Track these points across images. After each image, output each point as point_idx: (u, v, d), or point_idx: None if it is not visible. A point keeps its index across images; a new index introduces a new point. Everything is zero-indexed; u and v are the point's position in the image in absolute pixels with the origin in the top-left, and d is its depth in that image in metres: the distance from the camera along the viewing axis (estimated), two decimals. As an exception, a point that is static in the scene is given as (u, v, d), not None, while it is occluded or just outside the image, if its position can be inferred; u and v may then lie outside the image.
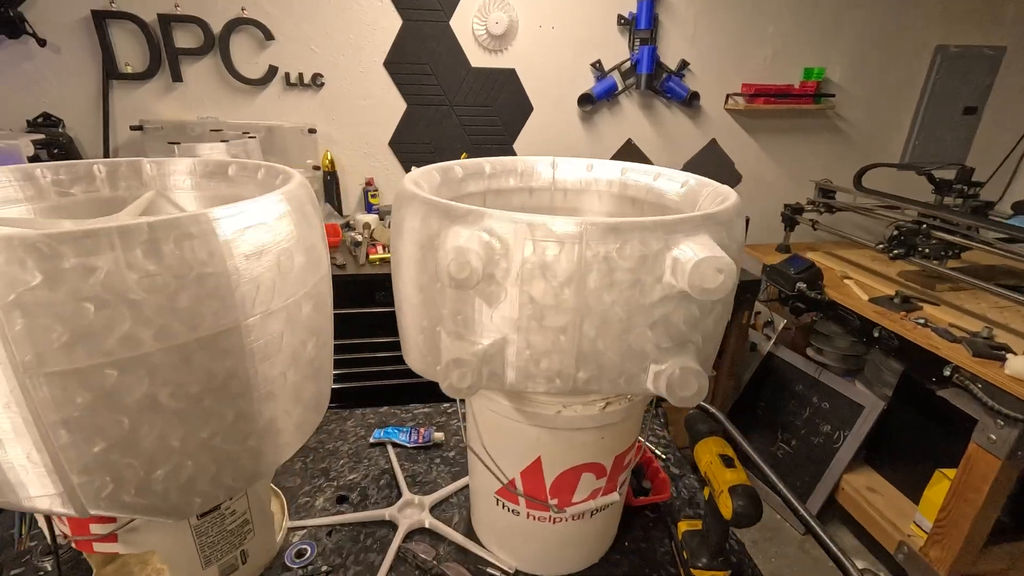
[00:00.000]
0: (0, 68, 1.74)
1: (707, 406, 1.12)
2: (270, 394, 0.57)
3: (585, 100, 2.07)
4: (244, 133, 1.68)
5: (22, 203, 0.67)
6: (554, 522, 0.71)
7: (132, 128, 1.81)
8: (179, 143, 1.35)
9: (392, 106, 2.00)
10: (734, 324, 1.86)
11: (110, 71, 1.79)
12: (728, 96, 2.19)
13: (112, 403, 0.45)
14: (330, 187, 1.99)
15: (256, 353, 0.54)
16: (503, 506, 0.73)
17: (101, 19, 1.72)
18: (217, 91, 1.88)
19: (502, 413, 0.65)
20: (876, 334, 1.70)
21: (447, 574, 0.74)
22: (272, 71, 1.87)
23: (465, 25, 1.93)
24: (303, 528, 0.82)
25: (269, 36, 1.82)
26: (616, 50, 2.05)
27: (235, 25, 1.79)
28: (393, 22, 1.89)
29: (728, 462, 0.69)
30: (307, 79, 1.91)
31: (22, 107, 1.79)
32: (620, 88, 2.10)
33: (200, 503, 0.55)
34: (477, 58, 1.99)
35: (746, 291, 1.78)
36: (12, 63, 1.74)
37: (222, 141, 1.46)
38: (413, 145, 2.07)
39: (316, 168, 1.94)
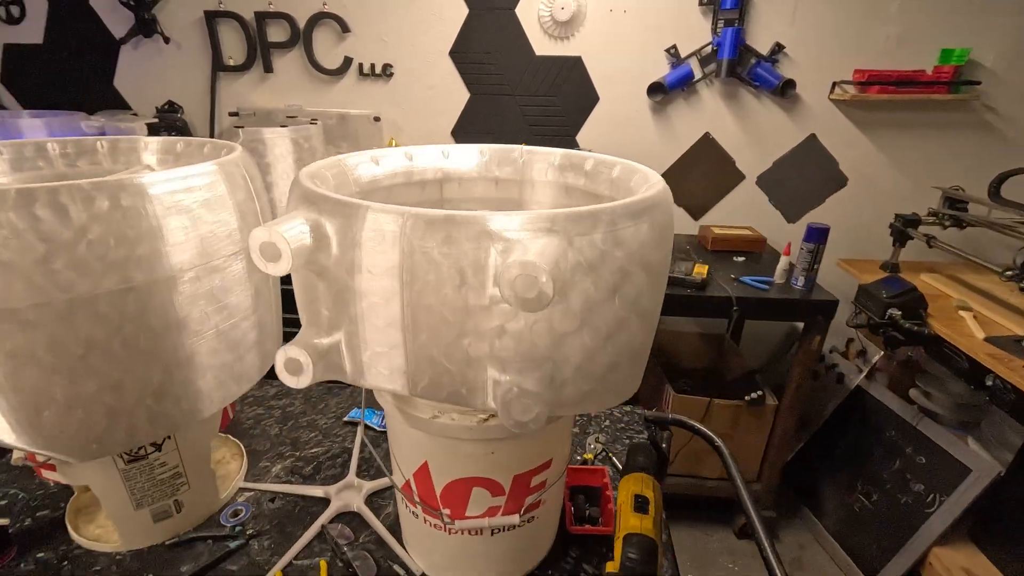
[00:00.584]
0: (138, 62, 2.07)
1: (711, 436, 0.99)
2: (185, 360, 0.61)
3: (656, 89, 1.91)
4: (312, 120, 1.82)
5: (30, 171, 0.78)
6: (449, 532, 0.66)
7: (230, 114, 2.04)
8: (242, 127, 1.49)
9: (456, 95, 2.03)
10: (800, 350, 1.60)
11: (217, 64, 2.03)
12: (835, 84, 1.88)
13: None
14: (393, 173, 2.07)
15: (168, 315, 0.58)
16: (406, 506, 0.70)
17: (212, 18, 1.96)
18: (301, 81, 2.05)
19: (388, 410, 0.62)
20: (989, 382, 1.36)
21: (352, 563, 0.74)
22: (348, 62, 1.99)
23: (531, 12, 1.88)
24: (251, 491, 0.87)
25: (346, 29, 1.94)
26: (696, 34, 1.86)
27: (317, 19, 1.94)
28: (459, 12, 1.90)
29: (640, 505, 0.59)
30: (378, 69, 2.00)
31: (153, 95, 2.11)
32: (698, 76, 1.90)
33: (96, 449, 0.61)
34: (542, 46, 1.93)
35: (817, 312, 1.52)
36: (146, 58, 2.06)
37: (281, 126, 1.58)
38: (475, 135, 2.08)
39: (379, 155, 2.03)
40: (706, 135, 2.01)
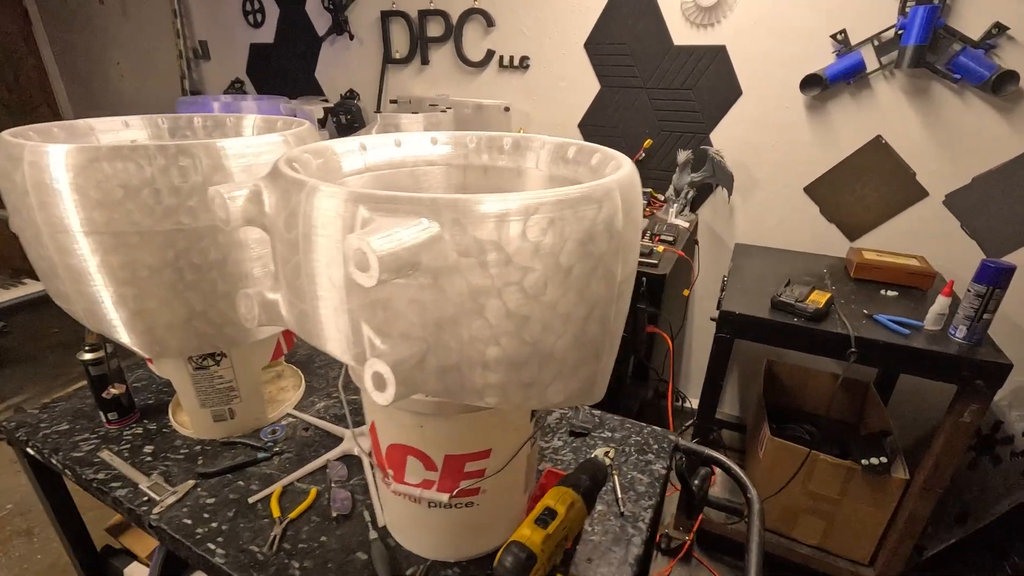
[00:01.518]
0: (332, 56, 2.49)
1: (746, 483, 0.88)
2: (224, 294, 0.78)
3: (811, 83, 1.63)
4: (447, 108, 1.98)
5: (180, 138, 1.03)
6: (394, 493, 0.71)
7: (391, 101, 2.34)
8: (380, 112, 1.71)
9: (586, 88, 2.01)
10: (948, 419, 1.25)
11: (387, 57, 2.34)
12: (1091, 78, 1.38)
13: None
14: (518, 162, 2.15)
15: (210, 255, 0.75)
16: (372, 461, 0.77)
17: (386, 17, 2.25)
18: (450, 72, 2.24)
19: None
20: None
21: (328, 496, 0.84)
22: (490, 54, 2.11)
23: (673, -1, 1.76)
24: (294, 418, 1.04)
25: (491, 23, 2.06)
26: (873, 16, 1.53)
27: (468, 15, 2.09)
28: (598, 2, 1.87)
29: (543, 518, 0.57)
30: (516, 61, 2.08)
31: (339, 84, 2.52)
32: (872, 67, 1.57)
33: (158, 351, 0.80)
34: (682, 35, 1.79)
35: (977, 374, 1.17)
36: (338, 53, 2.47)
37: (413, 112, 1.77)
38: (600, 128, 2.04)
39: (506, 143, 2.12)
40: (877, 139, 1.65)
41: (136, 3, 2.90)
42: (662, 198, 1.95)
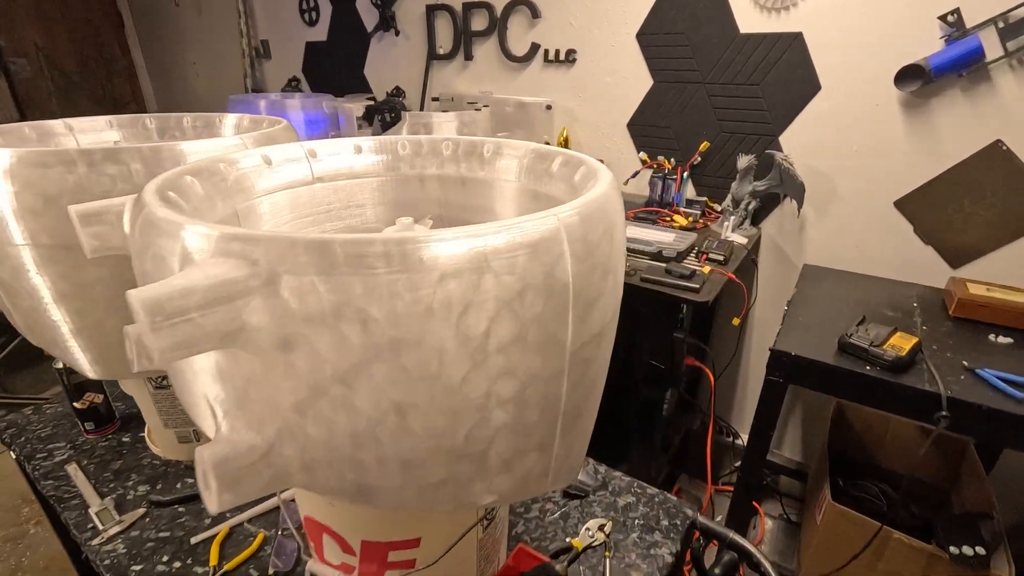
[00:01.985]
0: (379, 53, 2.45)
1: (745, 546, 0.70)
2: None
3: (910, 75, 1.34)
4: (484, 106, 1.86)
5: (165, 140, 0.98)
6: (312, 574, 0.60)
7: (432, 99, 2.25)
8: (408, 111, 1.62)
9: (637, 83, 1.81)
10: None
11: (431, 53, 2.25)
12: None
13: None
14: (560, 164, 1.99)
15: None
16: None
17: (431, 11, 2.17)
18: (494, 68, 2.12)
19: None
20: None
21: (280, 543, 0.74)
22: (534, 48, 1.97)
23: (741, -21, 1.52)
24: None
25: (536, 14, 1.91)
26: (1000, -9, 1.23)
27: (513, 6, 1.95)
28: (654, -14, 1.67)
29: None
30: (562, 55, 1.92)
31: (386, 81, 2.47)
32: (994, 55, 1.26)
33: (103, 371, 0.74)
34: (749, 21, 1.55)
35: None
36: (385, 50, 2.42)
37: (443, 111, 1.66)
38: (651, 128, 1.83)
39: (547, 144, 1.97)
40: (995, 145, 1.33)
41: (208, 4, 3.03)
42: (718, 208, 1.72)
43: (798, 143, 1.58)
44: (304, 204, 0.64)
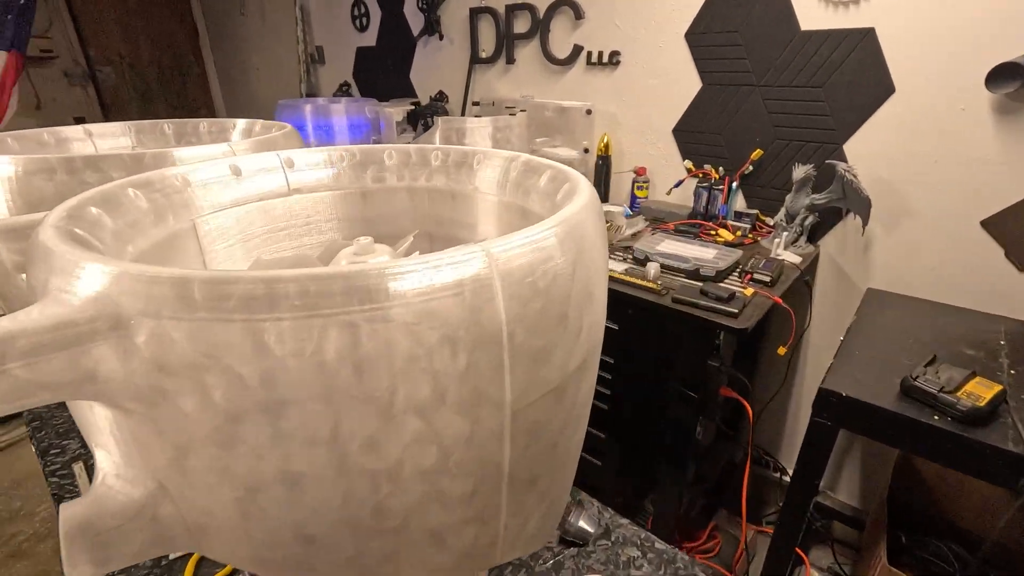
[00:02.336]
0: (425, 57, 2.45)
1: None
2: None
3: (1005, 75, 1.15)
4: (520, 110, 1.80)
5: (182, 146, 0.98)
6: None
7: (472, 103, 2.22)
8: (439, 115, 1.58)
9: (685, 86, 1.69)
10: None
11: (474, 57, 2.22)
12: None
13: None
14: (600, 172, 1.90)
15: None
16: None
17: (474, 15, 2.13)
18: (535, 71, 2.05)
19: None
20: None
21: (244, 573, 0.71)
22: (577, 51, 1.89)
23: (803, -29, 1.38)
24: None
25: (579, 15, 1.83)
26: None
27: (556, 7, 1.88)
28: (706, -18, 1.55)
29: None
30: (605, 57, 1.83)
31: (430, 86, 2.47)
32: (1117, 50, 1.05)
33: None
34: (812, 17, 1.40)
35: None
36: (430, 54, 2.41)
37: (476, 116, 1.61)
38: (699, 135, 1.70)
39: (586, 151, 1.88)
40: (1114, 157, 1.12)
41: (271, 12, 3.16)
42: (771, 223, 1.57)
43: (865, 152, 1.41)
44: (279, 217, 0.61)
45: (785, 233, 1.46)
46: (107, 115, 3.53)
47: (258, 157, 0.58)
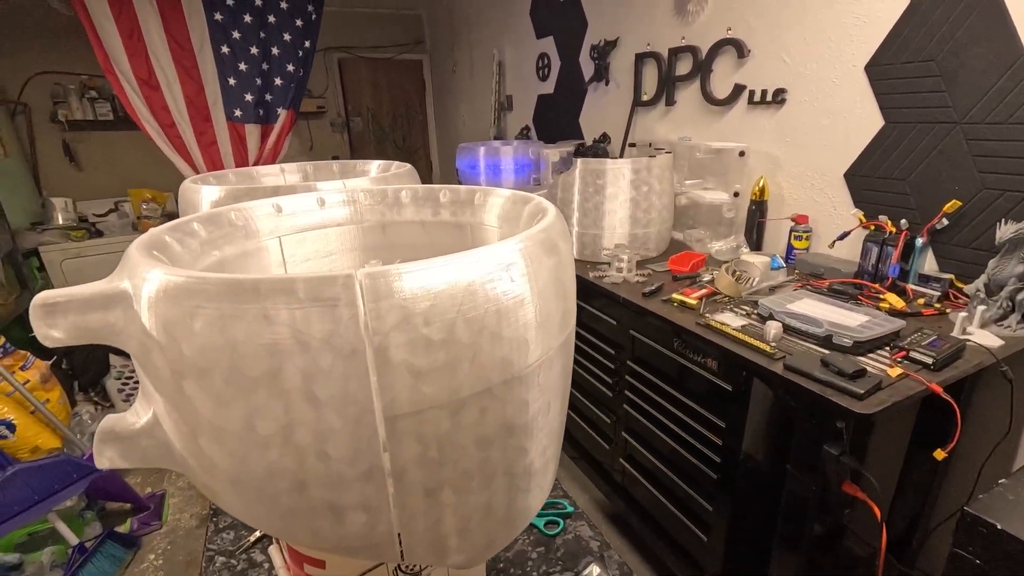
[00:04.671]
0: (594, 102, 2.57)
1: None
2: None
3: None
4: (666, 151, 1.76)
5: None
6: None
7: (629, 145, 2.24)
8: (598, 155, 1.66)
9: (862, 125, 1.45)
10: None
11: (636, 99, 2.25)
12: None
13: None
14: (753, 218, 1.74)
15: None
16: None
17: (639, 59, 2.17)
18: (695, 112, 1.99)
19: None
20: None
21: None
22: (738, 90, 1.78)
23: (1032, -19, 1.09)
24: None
25: (742, 54, 1.73)
26: None
27: (719, 47, 1.81)
28: (894, 7, 1.33)
29: None
30: (769, 96, 1.68)
31: (595, 128, 2.57)
32: None
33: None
34: (1043, 36, 1.10)
35: None
36: (597, 99, 2.52)
37: (620, 157, 1.65)
38: (878, 180, 1.44)
39: (736, 194, 1.74)
40: None
41: (480, 68, 3.67)
42: (967, 292, 1.24)
43: None
44: (330, 241, 0.75)
45: (981, 307, 1.14)
46: (353, 154, 4.49)
47: (339, 193, 0.73)
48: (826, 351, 1.08)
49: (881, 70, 1.38)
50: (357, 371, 0.37)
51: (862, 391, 0.92)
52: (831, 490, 1.04)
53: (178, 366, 0.39)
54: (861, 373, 0.96)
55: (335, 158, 4.45)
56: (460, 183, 2.74)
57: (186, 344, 0.38)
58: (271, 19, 2.72)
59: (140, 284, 0.39)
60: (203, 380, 0.38)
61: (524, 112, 3.19)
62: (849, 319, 1.15)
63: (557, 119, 2.88)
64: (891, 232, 1.35)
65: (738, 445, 1.25)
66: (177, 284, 0.37)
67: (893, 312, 1.22)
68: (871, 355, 1.07)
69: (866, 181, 1.47)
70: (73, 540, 1.79)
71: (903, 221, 1.36)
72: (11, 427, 1.89)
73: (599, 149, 2.44)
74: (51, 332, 0.39)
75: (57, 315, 0.39)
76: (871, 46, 1.39)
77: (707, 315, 1.27)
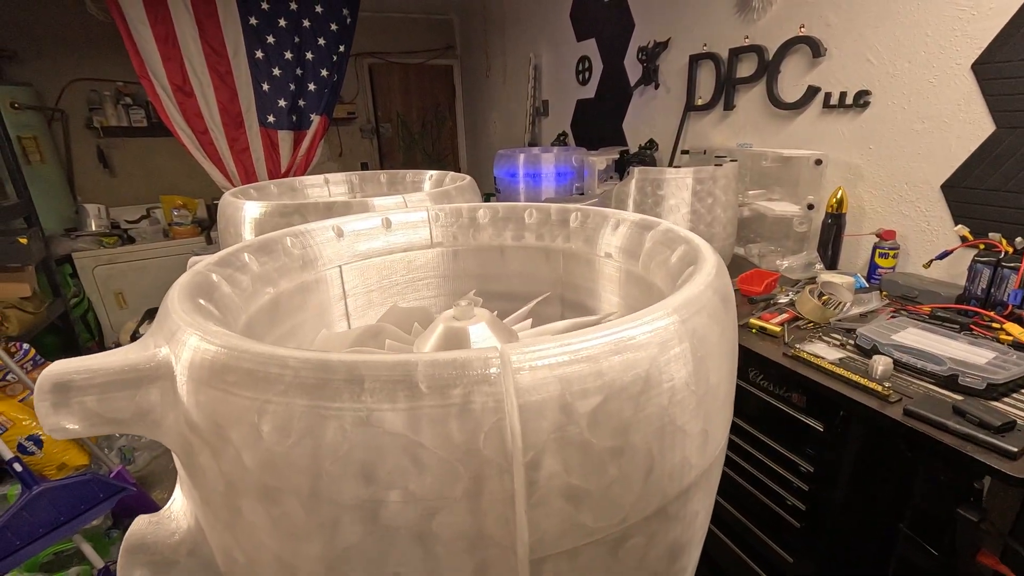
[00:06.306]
0: (639, 106, 2.43)
1: None
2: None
3: None
4: (732, 160, 1.61)
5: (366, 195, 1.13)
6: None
7: (681, 152, 2.10)
8: (645, 163, 1.53)
9: (966, 130, 1.29)
10: None
11: (689, 104, 2.11)
12: None
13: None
14: (829, 232, 1.58)
15: None
16: None
17: (693, 61, 2.03)
18: (757, 117, 1.84)
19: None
20: None
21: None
22: (811, 92, 1.62)
23: None
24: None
25: (818, 53, 1.58)
26: None
27: (789, 46, 1.66)
28: (1011, -3, 1.17)
29: None
30: (849, 99, 1.53)
31: (641, 134, 2.43)
32: None
33: None
34: None
35: None
36: (644, 103, 2.39)
37: (670, 164, 1.51)
38: (984, 193, 1.27)
39: (810, 207, 1.58)
40: None
41: (511, 73, 3.57)
42: (1107, 324, 1.06)
43: None
44: (420, 268, 0.63)
45: None
46: (382, 161, 4.43)
47: (405, 213, 0.62)
48: (949, 392, 0.93)
49: (992, 68, 1.22)
50: (496, 499, 0.25)
51: (1016, 449, 0.77)
52: (962, 560, 0.88)
53: (236, 479, 0.27)
54: (1010, 426, 0.80)
55: (364, 165, 4.41)
56: (497, 191, 2.63)
57: (249, 453, 0.26)
58: (306, 23, 2.66)
59: (183, 353, 0.28)
60: (271, 503, 0.26)
61: (561, 118, 3.07)
62: (973, 356, 0.99)
63: (598, 125, 2.75)
64: (1007, 252, 1.18)
65: (829, 493, 1.10)
66: (239, 368, 0.26)
67: (1018, 345, 1.05)
68: (1006, 400, 0.91)
69: (970, 194, 1.30)
70: (99, 563, 1.72)
71: (1019, 240, 1.19)
72: (39, 443, 1.83)
73: (645, 156, 2.30)
74: (62, 423, 0.28)
75: (72, 398, 0.28)
76: (980, 42, 1.23)
77: (796, 346, 1.13)
